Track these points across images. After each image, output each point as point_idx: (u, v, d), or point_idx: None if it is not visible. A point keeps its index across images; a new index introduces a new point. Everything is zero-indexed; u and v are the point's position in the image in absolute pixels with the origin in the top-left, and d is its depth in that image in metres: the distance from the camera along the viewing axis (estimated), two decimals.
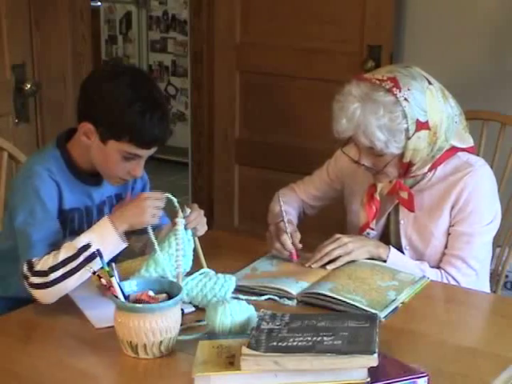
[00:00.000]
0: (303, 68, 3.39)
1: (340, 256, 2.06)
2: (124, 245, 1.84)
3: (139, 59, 5.91)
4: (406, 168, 2.05)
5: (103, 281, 1.68)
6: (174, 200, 1.90)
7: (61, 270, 1.79)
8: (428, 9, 3.17)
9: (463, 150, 2.13)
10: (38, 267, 1.80)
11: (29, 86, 2.97)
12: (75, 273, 1.79)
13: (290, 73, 3.43)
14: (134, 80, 1.91)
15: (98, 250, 1.73)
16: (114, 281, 1.67)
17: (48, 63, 3.08)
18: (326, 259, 2.06)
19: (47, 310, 1.83)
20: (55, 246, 1.87)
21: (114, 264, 1.71)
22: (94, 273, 1.71)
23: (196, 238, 1.94)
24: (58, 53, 3.11)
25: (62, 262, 1.79)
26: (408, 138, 1.98)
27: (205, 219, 1.96)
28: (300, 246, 2.10)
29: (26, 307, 1.86)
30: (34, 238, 1.85)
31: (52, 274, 1.79)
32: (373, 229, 2.17)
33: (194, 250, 1.93)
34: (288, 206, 2.27)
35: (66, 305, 1.85)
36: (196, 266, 1.93)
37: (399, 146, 1.99)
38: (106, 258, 1.77)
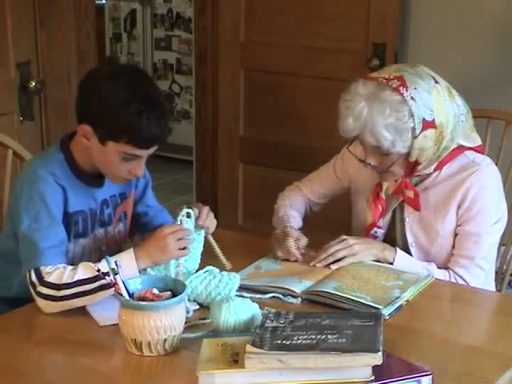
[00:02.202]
0: (308, 66, 3.39)
1: (345, 257, 2.06)
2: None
3: (144, 57, 5.91)
4: (411, 167, 2.05)
5: (108, 278, 1.68)
6: (192, 213, 1.93)
7: (73, 288, 1.78)
8: (433, 7, 3.17)
9: (471, 149, 2.13)
10: (50, 278, 1.79)
11: (33, 84, 2.97)
12: (86, 296, 1.79)
13: (295, 71, 3.43)
14: (131, 80, 1.88)
15: (106, 258, 1.72)
16: (119, 278, 1.67)
17: (53, 61, 3.08)
18: (331, 259, 2.06)
19: None
20: (64, 254, 1.87)
21: (118, 262, 1.71)
22: (99, 270, 1.71)
23: (210, 237, 1.97)
24: (62, 51, 3.12)
25: (76, 281, 1.79)
26: (414, 137, 1.98)
27: (212, 214, 1.98)
28: (303, 250, 2.10)
29: (29, 305, 1.86)
30: (42, 246, 1.83)
31: (63, 291, 1.78)
32: (380, 227, 2.17)
33: (205, 248, 1.95)
34: (293, 209, 2.28)
35: None
36: (217, 265, 1.95)
37: (406, 145, 1.99)
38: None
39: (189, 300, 1.83)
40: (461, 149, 2.11)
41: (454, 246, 2.11)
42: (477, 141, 2.15)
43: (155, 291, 1.70)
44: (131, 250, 1.86)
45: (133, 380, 1.63)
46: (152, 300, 1.67)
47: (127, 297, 1.67)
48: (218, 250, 2.00)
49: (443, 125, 2.00)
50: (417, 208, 2.10)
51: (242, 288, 1.91)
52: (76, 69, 3.15)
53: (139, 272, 1.83)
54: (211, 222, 1.98)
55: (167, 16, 5.78)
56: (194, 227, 1.94)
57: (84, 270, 1.80)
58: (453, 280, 2.07)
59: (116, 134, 1.86)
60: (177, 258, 1.89)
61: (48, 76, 3.06)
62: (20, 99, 2.97)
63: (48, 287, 1.79)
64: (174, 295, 1.69)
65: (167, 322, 1.62)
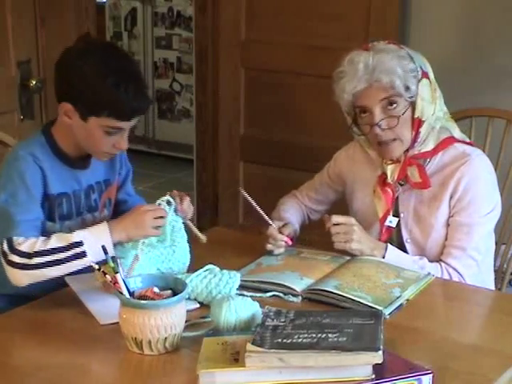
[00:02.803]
0: (308, 65, 3.39)
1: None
2: (113, 255, 1.82)
3: (144, 56, 5.91)
4: (416, 128, 2.06)
5: (108, 277, 1.68)
6: (173, 203, 1.96)
7: (46, 257, 1.79)
8: (433, 6, 3.17)
9: (462, 142, 2.14)
10: (21, 247, 1.80)
11: (34, 82, 2.97)
12: (59, 264, 1.80)
13: (295, 70, 3.43)
14: (105, 54, 1.92)
15: (103, 246, 1.74)
16: (119, 277, 1.67)
17: (53, 60, 3.02)
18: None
19: (52, 307, 1.83)
20: (38, 230, 1.88)
21: (118, 260, 1.71)
22: (99, 269, 1.71)
23: (187, 221, 2.00)
24: (63, 49, 3.11)
25: (50, 249, 1.80)
26: (418, 81, 2.03)
27: (188, 198, 2.01)
28: (286, 233, 2.11)
29: (30, 303, 1.87)
30: (18, 218, 1.85)
31: (36, 259, 1.79)
32: (396, 216, 2.16)
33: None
34: (286, 212, 2.29)
35: (71, 301, 1.85)
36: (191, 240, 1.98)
37: (414, 83, 2.03)
38: (91, 260, 1.78)
39: (189, 299, 1.84)
40: (451, 140, 2.12)
41: (447, 238, 2.12)
42: (466, 138, 2.19)
43: (156, 290, 1.70)
44: (105, 222, 1.87)
45: (133, 379, 1.63)
46: (152, 299, 1.67)
47: (128, 295, 1.67)
48: (192, 225, 2.01)
49: (435, 83, 2.08)
50: (425, 185, 2.10)
51: (242, 287, 1.91)
52: None
53: (113, 245, 1.83)
54: (188, 207, 2.00)
55: (168, 15, 5.79)
56: (172, 215, 1.96)
57: (57, 239, 1.81)
58: (445, 272, 2.07)
59: (97, 109, 1.88)
60: (149, 235, 1.91)
61: (48, 74, 3.05)
62: (20, 98, 2.97)
63: (19, 256, 1.80)
64: (175, 294, 1.69)
65: (168, 320, 1.62)
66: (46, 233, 1.93)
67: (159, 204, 1.95)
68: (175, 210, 1.97)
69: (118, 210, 2.18)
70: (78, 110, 1.90)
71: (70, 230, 1.99)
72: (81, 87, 1.88)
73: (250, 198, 2.11)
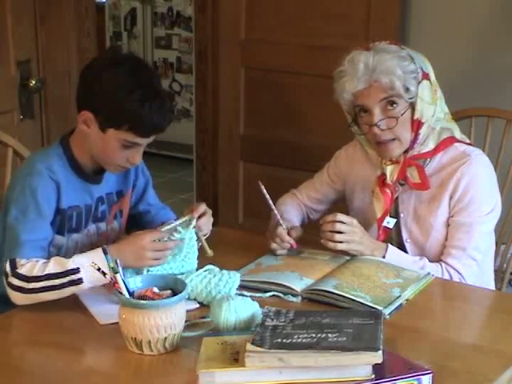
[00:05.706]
0: (308, 65, 3.39)
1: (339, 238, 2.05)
2: (108, 281, 1.75)
3: (144, 56, 5.90)
4: (416, 130, 2.06)
5: (108, 277, 1.68)
6: (193, 223, 1.95)
7: (42, 282, 1.78)
8: (433, 6, 3.17)
9: (462, 142, 2.14)
10: (21, 270, 1.80)
11: (34, 82, 2.97)
12: (55, 290, 1.79)
13: (295, 69, 3.43)
14: (134, 68, 1.90)
15: (103, 247, 1.73)
16: (119, 277, 1.67)
17: (53, 59, 3.08)
18: (330, 236, 2.04)
19: (52, 307, 1.83)
20: (44, 250, 1.88)
21: (118, 260, 1.71)
22: (99, 269, 1.71)
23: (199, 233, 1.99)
24: (62, 49, 3.12)
25: (46, 275, 1.79)
26: (418, 82, 2.03)
27: (211, 220, 2.00)
28: (294, 236, 2.10)
29: (29, 304, 1.86)
30: (23, 238, 1.84)
31: (33, 284, 1.78)
32: (393, 216, 2.15)
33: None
34: (287, 211, 2.28)
35: (71, 301, 1.85)
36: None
37: (414, 84, 2.02)
38: (87, 286, 1.78)
39: (189, 299, 1.84)
40: (452, 140, 2.12)
41: (447, 238, 2.11)
42: (466, 139, 2.18)
43: (155, 290, 1.70)
44: (100, 250, 1.79)
45: (133, 379, 1.63)
46: (152, 299, 1.67)
47: (127, 295, 1.67)
48: (202, 238, 1.99)
49: (436, 84, 2.08)
50: (425, 186, 2.10)
51: (242, 286, 1.91)
52: (76, 67, 3.15)
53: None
54: (207, 227, 1.99)
55: (167, 14, 5.78)
56: (190, 233, 1.95)
57: (55, 265, 1.80)
58: (445, 272, 2.07)
59: (118, 122, 1.87)
60: (149, 266, 1.88)
61: (48, 74, 3.06)
62: (20, 97, 2.97)
63: (19, 278, 1.79)
64: (175, 294, 1.69)
65: (167, 320, 1.62)
66: (54, 246, 1.94)
67: (180, 224, 1.93)
68: (192, 230, 1.95)
69: (142, 221, 2.17)
70: (99, 119, 1.89)
71: (76, 243, 2.00)
72: (105, 98, 1.86)
73: (266, 194, 2.10)
